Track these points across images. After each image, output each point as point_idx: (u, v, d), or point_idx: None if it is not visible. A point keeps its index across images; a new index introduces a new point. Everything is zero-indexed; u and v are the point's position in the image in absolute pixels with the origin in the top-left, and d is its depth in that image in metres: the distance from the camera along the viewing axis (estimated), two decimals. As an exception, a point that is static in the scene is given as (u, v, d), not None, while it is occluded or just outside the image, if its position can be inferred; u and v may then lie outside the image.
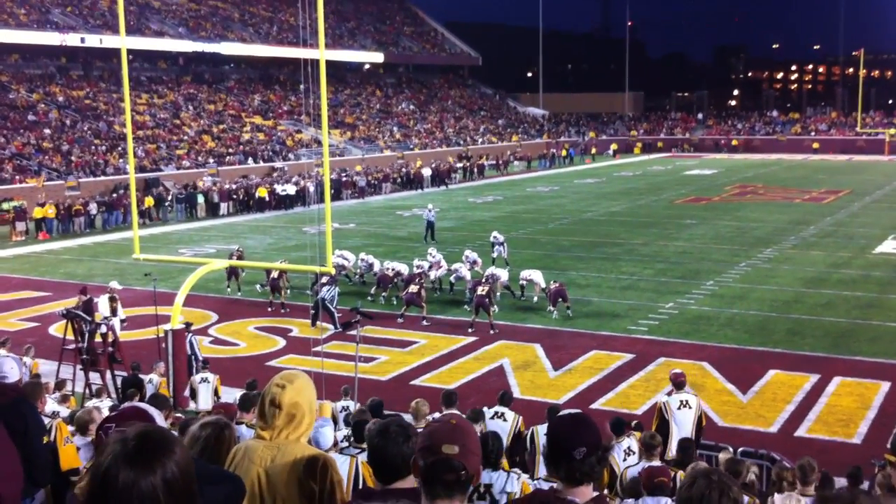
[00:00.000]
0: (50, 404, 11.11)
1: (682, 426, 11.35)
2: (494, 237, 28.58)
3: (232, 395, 13.55)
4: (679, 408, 11.47)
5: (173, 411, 10.72)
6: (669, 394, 12.15)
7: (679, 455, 10.01)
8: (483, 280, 22.27)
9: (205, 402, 14.55)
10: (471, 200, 48.64)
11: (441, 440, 3.00)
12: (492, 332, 20.58)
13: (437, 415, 10.54)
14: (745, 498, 7.77)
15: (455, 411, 10.73)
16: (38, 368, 15.89)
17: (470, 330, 20.82)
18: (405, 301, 22.07)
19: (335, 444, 7.82)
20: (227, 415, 7.79)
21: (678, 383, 11.82)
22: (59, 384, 14.51)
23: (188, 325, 17.88)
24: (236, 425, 8.71)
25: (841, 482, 9.00)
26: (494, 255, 27.85)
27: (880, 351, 18.90)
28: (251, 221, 41.91)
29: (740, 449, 12.03)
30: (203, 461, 3.78)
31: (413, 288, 22.01)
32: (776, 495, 8.16)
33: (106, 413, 8.30)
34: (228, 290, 25.33)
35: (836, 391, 16.48)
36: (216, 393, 14.69)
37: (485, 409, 11.15)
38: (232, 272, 24.91)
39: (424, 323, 21.66)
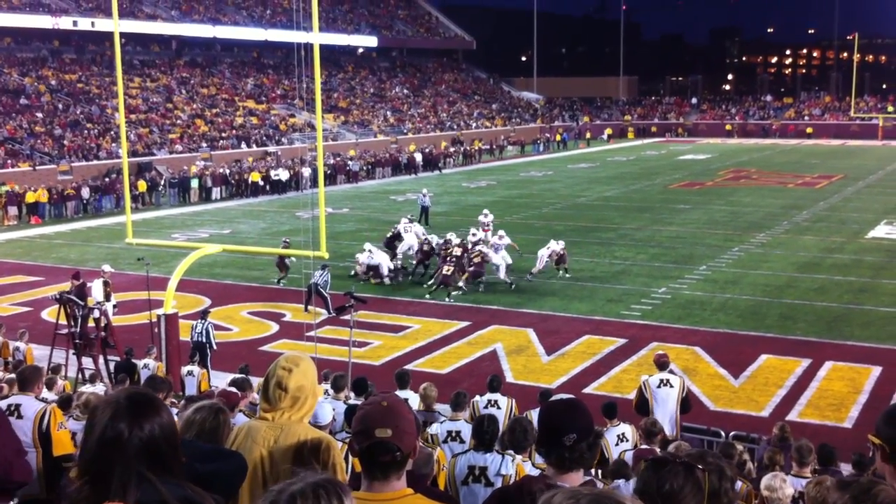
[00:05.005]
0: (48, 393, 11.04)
1: (663, 404, 11.45)
2: (485, 214, 29.59)
3: (224, 380, 13.53)
4: (659, 386, 11.60)
5: (171, 394, 10.68)
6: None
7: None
8: None
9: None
10: (464, 185, 48.62)
11: (374, 424, 3.04)
12: None
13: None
14: (738, 482, 7.82)
15: (408, 391, 10.80)
16: (32, 353, 15.88)
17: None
18: (440, 282, 22.75)
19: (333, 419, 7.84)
20: (228, 403, 7.68)
21: (660, 364, 11.99)
22: (55, 369, 14.51)
23: (206, 311, 17.88)
24: (238, 412, 8.71)
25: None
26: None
27: (872, 335, 18.96)
28: (244, 206, 41.83)
29: (732, 433, 12.10)
30: (198, 442, 3.80)
31: (447, 269, 22.67)
32: (764, 477, 8.21)
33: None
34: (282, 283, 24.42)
35: (827, 375, 16.55)
36: (199, 388, 14.31)
37: (477, 397, 11.17)
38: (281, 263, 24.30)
39: (455, 293, 22.50)
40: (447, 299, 22.41)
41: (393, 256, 25.61)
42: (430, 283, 23.51)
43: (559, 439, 3.33)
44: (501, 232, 25.19)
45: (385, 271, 24.14)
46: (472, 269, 22.89)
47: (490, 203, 39.43)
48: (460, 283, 22.83)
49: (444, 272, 22.82)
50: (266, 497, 2.33)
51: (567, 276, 24.35)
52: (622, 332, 19.50)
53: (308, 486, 2.32)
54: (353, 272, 25.06)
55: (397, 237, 26.40)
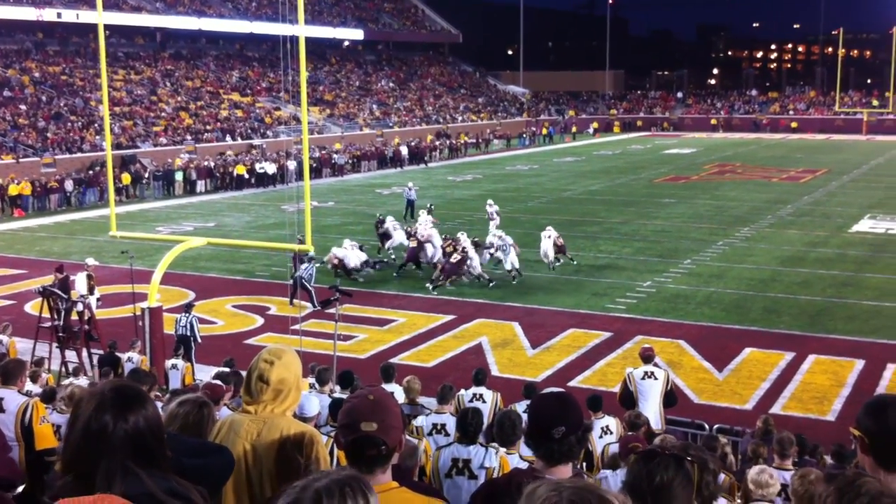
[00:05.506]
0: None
1: (647, 396, 11.49)
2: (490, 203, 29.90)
3: (209, 373, 13.49)
4: (643, 378, 11.63)
5: (155, 387, 10.64)
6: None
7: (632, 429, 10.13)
8: None
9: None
10: (450, 179, 48.59)
11: (360, 417, 3.04)
12: None
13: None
14: (721, 475, 7.85)
15: (393, 385, 10.78)
16: (16, 346, 15.79)
17: None
18: (446, 271, 22.77)
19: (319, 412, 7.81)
20: (212, 396, 7.62)
21: (646, 357, 12.03)
22: (38, 362, 14.42)
23: (190, 304, 17.81)
24: (223, 406, 8.66)
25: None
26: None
27: (855, 329, 19.08)
28: (229, 199, 41.71)
29: (716, 426, 12.15)
30: (184, 436, 3.77)
31: (455, 258, 22.74)
32: (750, 470, 8.24)
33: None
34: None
35: (810, 369, 16.64)
36: (183, 382, 14.25)
37: (462, 391, 11.17)
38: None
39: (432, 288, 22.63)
40: (428, 285, 22.46)
41: (380, 249, 25.63)
42: (434, 277, 23.24)
43: (548, 432, 3.33)
44: (500, 233, 24.60)
45: (356, 264, 23.91)
46: (448, 266, 22.84)
47: (476, 197, 39.44)
48: (454, 277, 22.94)
49: (450, 261, 22.84)
50: (289, 493, 2.22)
51: (574, 262, 25.18)
52: (607, 325, 19.54)
53: (334, 483, 2.22)
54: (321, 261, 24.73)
55: (386, 234, 26.22)
